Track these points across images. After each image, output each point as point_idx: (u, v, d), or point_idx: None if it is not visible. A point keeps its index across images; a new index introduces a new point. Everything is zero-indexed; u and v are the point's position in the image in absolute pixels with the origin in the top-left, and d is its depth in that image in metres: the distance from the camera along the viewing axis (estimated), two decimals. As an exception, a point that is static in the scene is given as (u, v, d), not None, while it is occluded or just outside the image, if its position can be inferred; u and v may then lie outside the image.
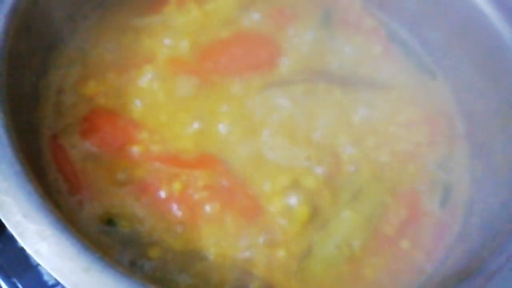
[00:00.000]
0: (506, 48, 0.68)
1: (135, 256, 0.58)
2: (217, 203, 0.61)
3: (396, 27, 0.82)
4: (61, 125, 0.64)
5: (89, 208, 0.60)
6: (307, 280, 0.60)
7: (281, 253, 0.60)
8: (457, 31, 0.74)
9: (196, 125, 0.66)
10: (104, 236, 0.58)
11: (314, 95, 0.71)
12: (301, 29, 0.77)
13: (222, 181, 0.62)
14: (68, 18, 0.71)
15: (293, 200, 0.62)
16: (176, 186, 0.61)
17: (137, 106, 0.67)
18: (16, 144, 0.50)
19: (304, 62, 0.74)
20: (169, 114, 0.67)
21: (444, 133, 0.73)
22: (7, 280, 0.62)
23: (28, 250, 0.45)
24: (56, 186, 0.60)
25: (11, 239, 0.45)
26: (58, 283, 0.57)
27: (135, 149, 0.63)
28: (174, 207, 0.60)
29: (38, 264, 0.49)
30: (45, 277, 0.63)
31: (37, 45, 0.64)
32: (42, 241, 0.45)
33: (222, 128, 0.66)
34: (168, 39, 0.72)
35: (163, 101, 0.67)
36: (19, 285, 0.62)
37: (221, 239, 0.59)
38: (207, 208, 0.61)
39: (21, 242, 0.45)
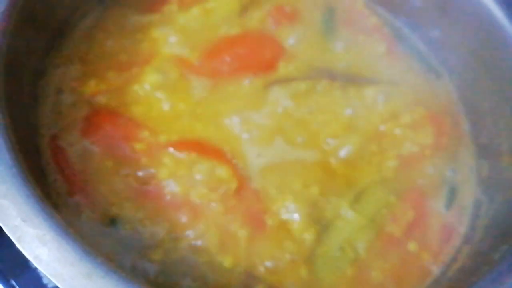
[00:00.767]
0: (512, 47, 0.67)
1: (137, 259, 0.57)
2: (221, 204, 0.61)
3: (400, 26, 0.81)
4: (61, 125, 0.64)
5: (89, 209, 0.59)
6: (312, 283, 0.59)
7: (285, 256, 0.59)
8: (462, 30, 0.73)
9: (198, 124, 0.66)
10: (105, 238, 0.58)
11: (317, 94, 0.71)
12: (304, 27, 0.77)
13: (226, 178, 0.62)
14: (67, 16, 0.70)
15: (296, 201, 0.62)
16: (178, 186, 0.61)
17: (138, 105, 0.66)
18: (15, 145, 0.49)
19: (307, 61, 0.74)
20: (170, 113, 0.66)
21: (449, 133, 0.73)
22: (6, 282, 0.62)
23: (28, 256, 0.44)
24: (55, 187, 0.60)
25: (9, 240, 0.44)
26: (57, 286, 0.56)
27: (136, 149, 0.63)
28: (177, 208, 0.60)
29: (37, 267, 0.48)
30: (44, 280, 0.62)
31: (35, 44, 0.63)
32: (42, 246, 0.44)
33: (225, 126, 0.66)
34: (168, 37, 0.72)
35: (165, 100, 0.67)
36: (17, 287, 0.62)
37: (225, 241, 0.59)
38: (211, 208, 0.60)
39: (20, 247, 0.44)
